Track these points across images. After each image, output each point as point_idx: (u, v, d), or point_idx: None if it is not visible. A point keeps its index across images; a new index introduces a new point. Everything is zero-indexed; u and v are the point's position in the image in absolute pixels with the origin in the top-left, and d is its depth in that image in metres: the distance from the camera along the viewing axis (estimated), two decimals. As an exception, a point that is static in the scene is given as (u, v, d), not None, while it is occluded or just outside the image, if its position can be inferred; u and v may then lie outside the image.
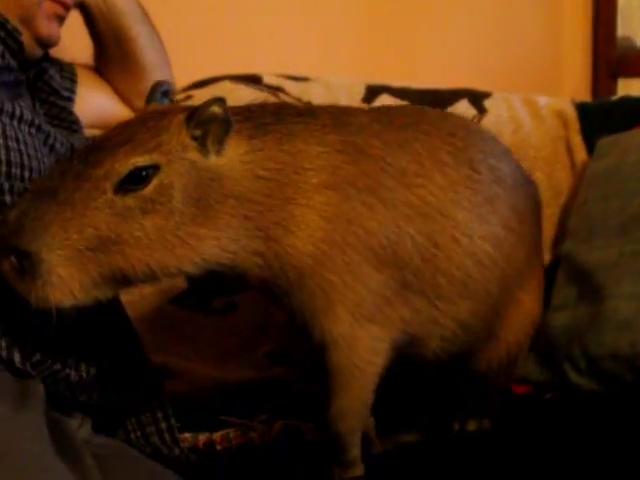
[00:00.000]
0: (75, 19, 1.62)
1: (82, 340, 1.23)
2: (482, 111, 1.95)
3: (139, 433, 1.34)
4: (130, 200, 1.11)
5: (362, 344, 1.21)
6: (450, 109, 1.89)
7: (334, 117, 1.24)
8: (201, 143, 1.14)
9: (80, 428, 1.25)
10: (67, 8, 1.51)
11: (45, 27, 1.47)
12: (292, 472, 1.33)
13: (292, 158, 1.18)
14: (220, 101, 1.13)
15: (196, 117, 1.13)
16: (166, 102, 1.29)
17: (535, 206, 1.42)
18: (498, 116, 1.95)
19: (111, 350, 1.30)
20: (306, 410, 1.48)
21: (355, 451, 1.27)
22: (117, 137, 1.15)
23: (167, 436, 1.35)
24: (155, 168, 1.12)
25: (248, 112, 1.20)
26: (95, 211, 1.10)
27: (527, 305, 1.39)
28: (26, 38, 1.43)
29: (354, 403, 1.25)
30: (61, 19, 1.51)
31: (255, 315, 1.77)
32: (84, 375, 1.23)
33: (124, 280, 1.13)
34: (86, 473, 1.07)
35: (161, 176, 1.12)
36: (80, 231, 1.09)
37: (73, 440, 1.13)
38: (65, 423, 1.17)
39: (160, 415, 1.35)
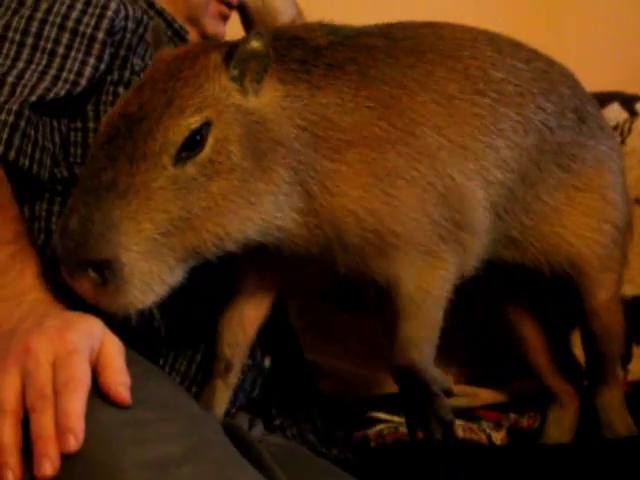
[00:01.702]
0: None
1: None
2: (634, 114, 1.91)
3: (295, 430, 1.36)
4: (191, 168, 1.01)
5: (430, 270, 1.15)
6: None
7: (362, 71, 1.15)
8: (240, 84, 1.06)
9: (253, 427, 1.27)
10: (231, 8, 1.54)
11: (212, 26, 1.49)
12: (443, 468, 1.33)
13: (325, 111, 1.11)
14: (259, 35, 1.05)
15: (236, 55, 1.04)
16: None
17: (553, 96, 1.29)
18: (651, 119, 1.92)
19: (272, 348, 1.33)
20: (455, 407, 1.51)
21: (439, 378, 1.17)
22: (154, 98, 1.04)
23: (323, 433, 1.38)
24: (208, 125, 1.02)
25: (274, 53, 1.10)
26: (160, 192, 1.00)
27: (583, 201, 1.31)
28: (193, 37, 1.45)
29: (426, 329, 1.17)
30: (225, 18, 1.53)
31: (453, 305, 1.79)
32: (245, 374, 1.26)
33: (193, 259, 1.04)
34: (269, 469, 1.04)
35: (215, 132, 1.03)
36: (151, 218, 0.99)
37: (249, 439, 1.09)
38: (236, 423, 1.18)
39: (315, 413, 1.38)
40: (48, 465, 0.84)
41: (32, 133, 1.15)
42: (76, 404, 0.87)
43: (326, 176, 1.10)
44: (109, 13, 1.23)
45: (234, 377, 1.21)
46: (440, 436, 1.16)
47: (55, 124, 1.21)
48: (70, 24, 1.21)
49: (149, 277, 1.00)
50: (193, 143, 1.01)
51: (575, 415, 1.52)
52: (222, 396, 1.20)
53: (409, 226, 1.13)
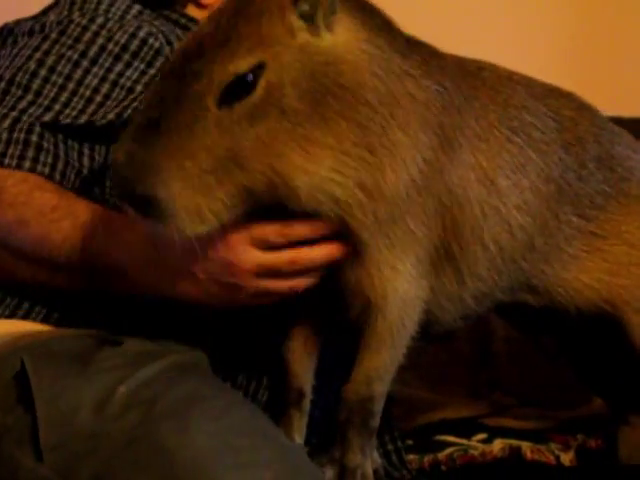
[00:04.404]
0: None
1: None
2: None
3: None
4: (238, 111, 1.00)
5: (411, 300, 1.13)
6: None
7: (432, 55, 1.15)
8: (309, 20, 1.02)
9: None
10: None
11: None
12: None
13: (403, 77, 1.08)
14: None
15: None
16: None
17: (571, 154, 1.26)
18: None
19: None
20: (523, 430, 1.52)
21: (378, 418, 1.16)
22: (212, 37, 1.02)
23: (394, 458, 1.39)
24: (261, 67, 1.00)
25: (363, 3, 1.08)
26: (202, 132, 0.99)
27: (603, 247, 1.27)
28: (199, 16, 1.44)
29: (392, 361, 1.15)
30: None
31: (476, 343, 1.82)
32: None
33: (250, 196, 1.03)
34: None
35: (269, 74, 1.00)
36: (192, 157, 0.99)
37: None
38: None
39: (387, 437, 1.39)
40: None
41: (50, 147, 1.22)
42: None
43: (393, 153, 1.07)
44: (141, 34, 1.29)
45: (307, 403, 1.23)
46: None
47: (86, 150, 1.26)
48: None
49: (195, 210, 1.00)
50: (243, 85, 0.99)
51: None
52: (299, 424, 1.21)
53: (423, 234, 1.12)
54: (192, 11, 1.46)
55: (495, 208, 1.17)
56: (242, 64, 0.99)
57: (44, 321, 1.22)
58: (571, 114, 1.27)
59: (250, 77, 0.99)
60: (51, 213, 1.17)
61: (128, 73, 1.29)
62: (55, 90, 1.25)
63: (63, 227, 1.16)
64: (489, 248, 1.17)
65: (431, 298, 1.17)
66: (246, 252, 1.07)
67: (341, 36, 1.04)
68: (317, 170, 1.03)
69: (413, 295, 1.13)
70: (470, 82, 1.19)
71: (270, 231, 1.07)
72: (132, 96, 1.27)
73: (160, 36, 1.32)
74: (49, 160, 1.22)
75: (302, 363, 1.23)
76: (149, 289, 1.13)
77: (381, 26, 1.09)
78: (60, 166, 1.23)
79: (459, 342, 1.84)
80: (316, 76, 1.02)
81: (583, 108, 1.31)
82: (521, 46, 2.18)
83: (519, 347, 1.84)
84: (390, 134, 1.06)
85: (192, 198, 1.00)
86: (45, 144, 1.23)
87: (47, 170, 1.22)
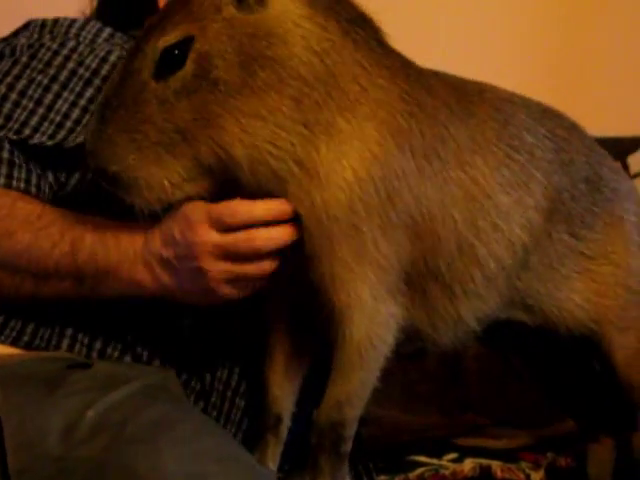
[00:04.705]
0: None
1: None
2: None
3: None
4: (173, 83, 1.05)
5: (380, 318, 1.10)
6: (631, 157, 1.89)
7: (405, 65, 1.14)
8: None
9: None
10: None
11: None
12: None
13: (353, 65, 1.08)
14: None
15: None
16: None
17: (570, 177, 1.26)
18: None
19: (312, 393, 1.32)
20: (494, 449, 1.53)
21: (350, 443, 1.14)
22: (155, 19, 1.09)
23: (365, 479, 1.38)
24: (189, 41, 1.04)
25: None
26: (144, 105, 1.05)
27: (592, 267, 1.28)
28: None
29: (363, 384, 1.12)
30: None
31: (445, 361, 1.82)
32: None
33: (204, 169, 1.07)
34: None
35: (197, 47, 1.04)
36: (139, 130, 1.05)
37: None
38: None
39: (358, 458, 1.36)
40: None
41: (22, 163, 1.22)
42: None
43: (331, 134, 1.07)
44: (112, 58, 1.29)
45: (284, 430, 1.21)
46: None
47: (50, 174, 1.26)
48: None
49: (153, 180, 1.06)
50: (173, 58, 1.05)
51: (613, 452, 1.52)
52: (274, 451, 1.20)
53: (384, 244, 1.09)
54: None
55: (493, 225, 1.16)
56: (170, 39, 1.05)
57: (13, 344, 1.21)
58: (564, 134, 1.28)
59: (178, 51, 1.04)
60: (38, 221, 1.18)
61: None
62: (25, 114, 1.25)
63: (51, 233, 1.17)
64: (488, 265, 1.16)
65: (421, 319, 1.16)
66: (205, 233, 1.08)
67: (274, 10, 1.06)
68: (253, 141, 1.05)
69: (383, 313, 1.11)
70: (469, 100, 1.19)
71: (224, 210, 1.07)
72: None
73: None
74: (23, 175, 1.23)
75: (283, 388, 1.21)
76: (135, 287, 1.14)
77: (341, 13, 1.10)
78: (34, 180, 1.23)
79: (429, 360, 1.84)
80: (243, 48, 1.04)
81: (574, 128, 1.32)
82: (504, 65, 2.19)
83: (490, 365, 1.85)
84: (327, 114, 1.06)
85: (147, 169, 1.06)
86: (17, 160, 1.23)
87: (23, 185, 1.22)
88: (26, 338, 1.22)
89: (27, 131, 1.24)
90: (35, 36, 1.33)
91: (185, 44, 1.05)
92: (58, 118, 1.26)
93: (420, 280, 1.13)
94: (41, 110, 1.26)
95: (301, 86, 1.05)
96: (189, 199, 1.09)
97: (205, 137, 1.05)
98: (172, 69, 1.05)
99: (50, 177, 1.26)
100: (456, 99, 1.17)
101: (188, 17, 1.05)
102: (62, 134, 1.25)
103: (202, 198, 1.09)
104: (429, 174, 1.10)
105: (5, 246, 1.17)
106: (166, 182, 1.06)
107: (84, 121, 1.26)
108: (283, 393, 1.21)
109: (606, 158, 1.36)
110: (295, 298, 1.19)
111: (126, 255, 1.14)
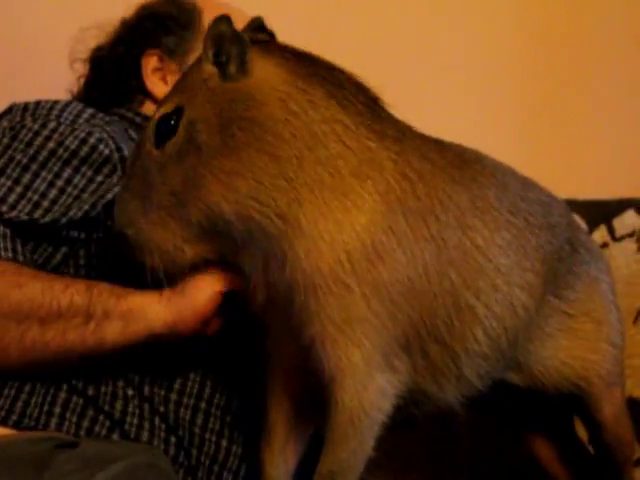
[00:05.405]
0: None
1: None
2: (650, 220, 1.93)
3: None
4: (168, 150, 1.12)
5: (374, 384, 1.08)
6: (616, 220, 1.90)
7: (400, 131, 1.16)
8: (223, 67, 1.12)
9: None
10: None
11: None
12: None
13: (335, 124, 1.11)
14: (223, 19, 1.10)
15: (206, 42, 1.12)
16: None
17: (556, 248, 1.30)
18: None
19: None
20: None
21: None
22: (162, 98, 1.21)
23: None
24: (180, 110, 1.12)
25: (307, 59, 1.16)
26: (148, 172, 1.13)
27: (575, 325, 1.31)
28: None
29: (356, 454, 1.10)
30: None
31: (439, 428, 1.81)
32: None
33: (203, 230, 1.12)
34: None
35: (187, 115, 1.12)
36: (146, 195, 1.13)
37: None
38: None
39: None
40: None
41: (7, 231, 1.24)
42: None
43: (314, 189, 1.09)
44: (91, 140, 1.32)
45: None
46: None
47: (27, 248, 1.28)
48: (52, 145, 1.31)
49: (161, 242, 1.13)
50: (168, 127, 1.13)
51: None
52: None
53: (378, 307, 1.08)
54: (150, 108, 1.50)
55: (494, 286, 1.18)
56: (164, 109, 1.14)
57: (3, 423, 1.23)
58: (547, 200, 1.33)
59: (172, 121, 1.13)
60: (47, 275, 1.22)
61: (76, 180, 1.31)
62: (3, 191, 1.27)
63: (64, 279, 1.21)
64: (491, 325, 1.18)
65: (425, 380, 1.15)
66: None
67: (255, 78, 1.11)
68: (236, 198, 1.09)
69: (378, 379, 1.09)
70: (469, 166, 1.21)
71: None
72: (78, 203, 1.30)
73: (110, 142, 1.35)
74: (9, 245, 1.24)
75: (279, 468, 1.20)
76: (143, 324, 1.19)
77: (327, 79, 1.14)
78: (19, 248, 1.25)
79: (419, 428, 1.83)
80: (224, 112, 1.10)
81: (551, 195, 1.36)
82: (477, 128, 2.21)
83: (482, 429, 1.84)
84: (308, 169, 1.09)
85: (155, 232, 1.13)
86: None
87: (10, 254, 1.23)
88: (14, 417, 1.23)
89: (4, 208, 1.26)
90: (17, 118, 1.36)
91: (177, 113, 1.13)
92: (35, 197, 1.28)
93: (421, 342, 1.13)
94: (19, 189, 1.28)
95: (278, 142, 1.09)
96: (195, 261, 1.15)
97: (194, 198, 1.10)
98: (168, 137, 1.13)
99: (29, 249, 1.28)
100: (457, 165, 1.19)
101: (181, 90, 1.15)
102: (39, 213, 1.27)
103: (208, 261, 1.15)
104: (425, 235, 1.11)
105: (14, 296, 1.18)
106: (171, 246, 1.13)
107: (60, 201, 1.28)
108: (279, 473, 1.20)
109: (579, 224, 1.42)
110: (299, 374, 1.18)
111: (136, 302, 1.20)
